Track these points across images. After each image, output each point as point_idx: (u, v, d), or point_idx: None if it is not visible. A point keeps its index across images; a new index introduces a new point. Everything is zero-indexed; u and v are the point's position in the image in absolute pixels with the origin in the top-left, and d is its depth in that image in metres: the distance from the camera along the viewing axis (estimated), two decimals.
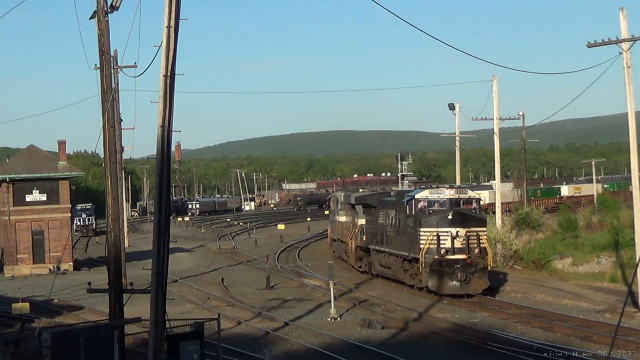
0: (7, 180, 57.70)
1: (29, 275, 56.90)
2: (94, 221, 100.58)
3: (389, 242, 42.25)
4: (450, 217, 37.06)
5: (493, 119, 56.20)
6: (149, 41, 24.16)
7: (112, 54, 23.29)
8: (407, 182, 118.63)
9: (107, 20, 21.84)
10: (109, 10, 21.84)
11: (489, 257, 37.13)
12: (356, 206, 49.31)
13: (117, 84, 41.76)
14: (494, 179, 63.65)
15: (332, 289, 34.11)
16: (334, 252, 60.13)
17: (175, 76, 14.47)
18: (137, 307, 27.38)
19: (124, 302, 20.47)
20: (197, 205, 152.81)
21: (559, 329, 28.69)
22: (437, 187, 40.93)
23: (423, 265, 37.09)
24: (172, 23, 14.26)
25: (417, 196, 38.69)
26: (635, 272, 29.97)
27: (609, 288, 39.88)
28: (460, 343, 27.19)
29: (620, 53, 34.05)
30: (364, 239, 47.11)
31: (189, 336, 18.22)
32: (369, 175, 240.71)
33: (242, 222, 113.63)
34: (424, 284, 37.66)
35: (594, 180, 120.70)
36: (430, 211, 37.91)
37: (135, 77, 46.63)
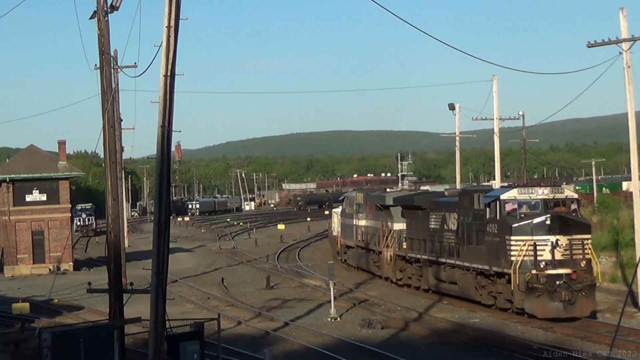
0: (7, 180, 57.77)
1: (29, 275, 56.94)
2: (94, 221, 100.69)
3: (450, 251, 35.69)
4: (548, 222, 30.58)
5: (493, 119, 56.22)
6: (149, 41, 24.18)
7: (112, 54, 23.31)
8: (407, 182, 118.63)
9: (107, 20, 21.85)
10: (109, 10, 21.86)
11: (596, 271, 30.99)
12: (391, 208, 42.83)
13: (117, 84, 41.78)
14: (494, 179, 63.64)
15: (332, 289, 34.12)
16: (345, 261, 53.93)
17: (175, 76, 14.48)
18: (137, 307, 27.37)
19: (124, 302, 20.47)
20: (197, 205, 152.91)
21: (559, 329, 28.69)
22: (525, 186, 33.95)
23: (517, 282, 30.20)
24: (172, 23, 14.27)
25: (503, 197, 31.85)
26: (635, 272, 29.97)
27: (609, 288, 39.84)
28: (460, 343, 27.20)
29: (620, 53, 34.08)
30: (404, 246, 41.21)
31: (189, 336, 18.23)
32: (369, 175, 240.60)
33: (242, 222, 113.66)
34: (517, 305, 30.92)
35: (594, 181, 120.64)
36: (522, 215, 31.23)
37: (135, 77, 46.67)
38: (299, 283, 45.62)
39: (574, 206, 32.09)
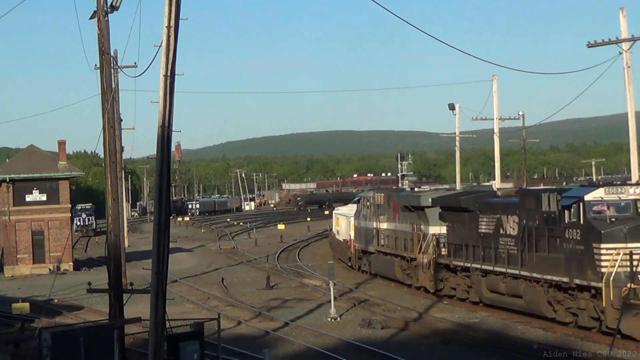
0: (7, 180, 57.77)
1: (29, 275, 56.93)
2: (94, 221, 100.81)
3: (511, 260, 30.96)
4: None
5: (493, 119, 56.32)
6: (149, 41, 24.17)
7: (112, 54, 23.32)
8: (407, 182, 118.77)
9: (107, 20, 21.87)
10: (109, 10, 21.87)
11: None
12: (426, 209, 38.50)
13: (117, 84, 41.77)
14: (494, 179, 63.70)
15: (332, 289, 34.11)
16: (360, 268, 49.25)
17: (175, 76, 14.47)
18: (137, 307, 27.39)
19: (124, 302, 20.48)
20: (197, 205, 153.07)
21: (559, 329, 28.67)
22: (612, 184, 29.87)
23: (611, 298, 25.48)
24: (172, 23, 14.26)
25: (587, 197, 27.20)
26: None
27: None
28: (460, 343, 27.19)
29: (620, 53, 34.17)
30: (443, 252, 36.93)
31: (189, 336, 18.24)
32: (369, 175, 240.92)
33: (242, 222, 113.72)
34: (609, 324, 25.82)
35: (594, 179, 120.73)
36: (612, 219, 26.72)
37: (135, 77, 46.61)
38: (299, 283, 45.61)
39: None
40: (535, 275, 29.39)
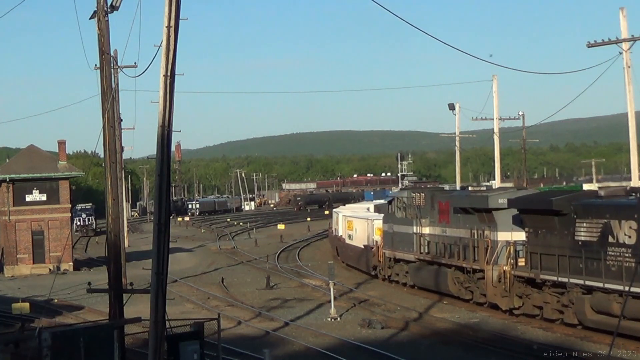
0: (7, 180, 57.78)
1: (29, 275, 56.95)
2: (94, 221, 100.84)
3: (623, 274, 25.16)
4: None
5: (493, 119, 56.37)
6: (149, 41, 24.16)
7: (112, 54, 23.34)
8: (407, 182, 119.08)
9: (107, 20, 21.89)
10: (109, 10, 21.89)
11: None
12: (494, 212, 32.63)
13: (117, 84, 41.79)
14: (494, 179, 63.74)
15: (332, 289, 34.12)
16: (388, 277, 43.08)
17: (175, 76, 14.47)
18: (137, 307, 27.38)
19: (124, 302, 20.49)
20: (197, 205, 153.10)
21: (559, 329, 28.68)
22: None
23: None
24: (172, 23, 14.25)
25: None
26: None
27: None
28: (460, 343, 27.20)
29: (620, 53, 34.21)
30: (520, 264, 31.01)
31: (189, 336, 18.25)
32: (369, 175, 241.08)
33: (242, 222, 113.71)
34: None
35: (594, 180, 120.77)
36: None
37: (135, 77, 46.73)
38: (299, 283, 45.60)
39: None
40: None
